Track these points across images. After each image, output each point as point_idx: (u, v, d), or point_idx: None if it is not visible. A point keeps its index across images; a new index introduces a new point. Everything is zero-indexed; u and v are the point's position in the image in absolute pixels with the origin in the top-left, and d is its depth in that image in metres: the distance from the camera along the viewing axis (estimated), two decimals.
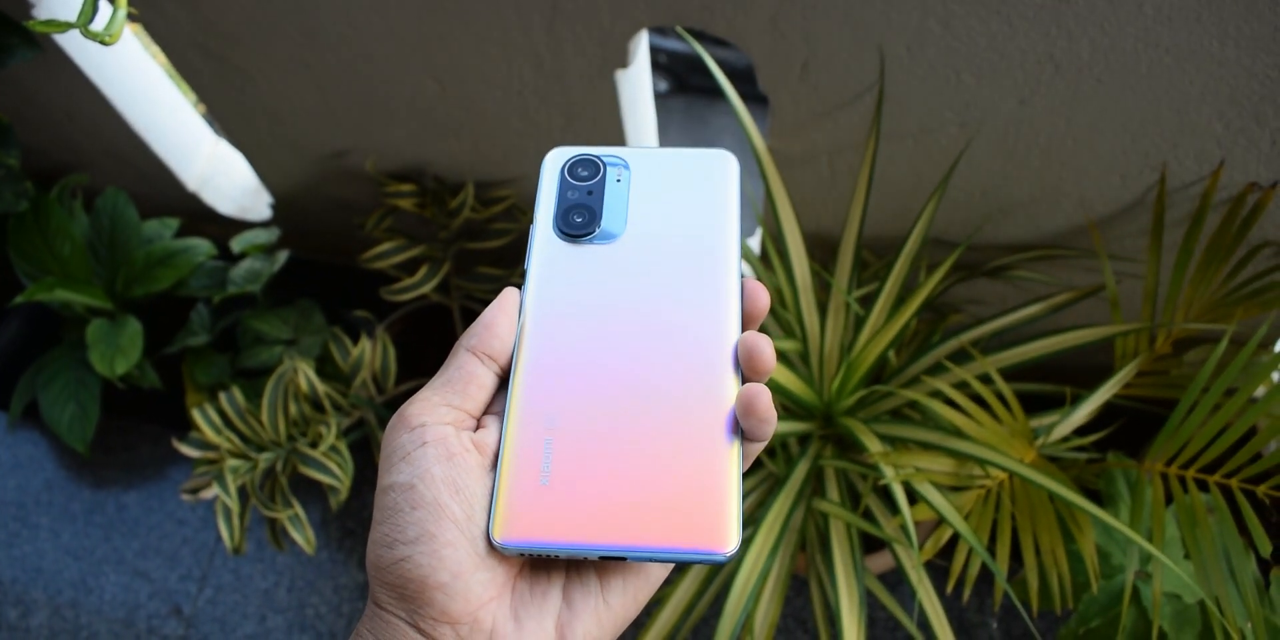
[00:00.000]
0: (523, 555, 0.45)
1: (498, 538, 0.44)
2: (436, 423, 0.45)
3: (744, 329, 0.50)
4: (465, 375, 0.47)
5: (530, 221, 0.55)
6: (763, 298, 0.50)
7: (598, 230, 0.52)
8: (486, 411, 0.49)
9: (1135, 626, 1.12)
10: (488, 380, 0.48)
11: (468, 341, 0.48)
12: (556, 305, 0.50)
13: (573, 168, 0.54)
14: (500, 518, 0.45)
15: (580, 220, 0.52)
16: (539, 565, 0.46)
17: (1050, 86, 1.13)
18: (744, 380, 0.48)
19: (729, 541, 0.45)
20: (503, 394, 0.50)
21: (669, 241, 0.52)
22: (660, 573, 0.48)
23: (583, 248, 0.51)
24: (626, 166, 0.54)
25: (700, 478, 0.46)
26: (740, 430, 0.47)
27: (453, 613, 0.42)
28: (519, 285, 0.52)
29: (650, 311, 0.49)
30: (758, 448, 0.48)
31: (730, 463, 0.46)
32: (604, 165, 0.54)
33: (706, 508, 0.45)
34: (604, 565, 0.47)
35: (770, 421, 0.47)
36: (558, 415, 0.47)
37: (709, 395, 0.47)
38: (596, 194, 0.53)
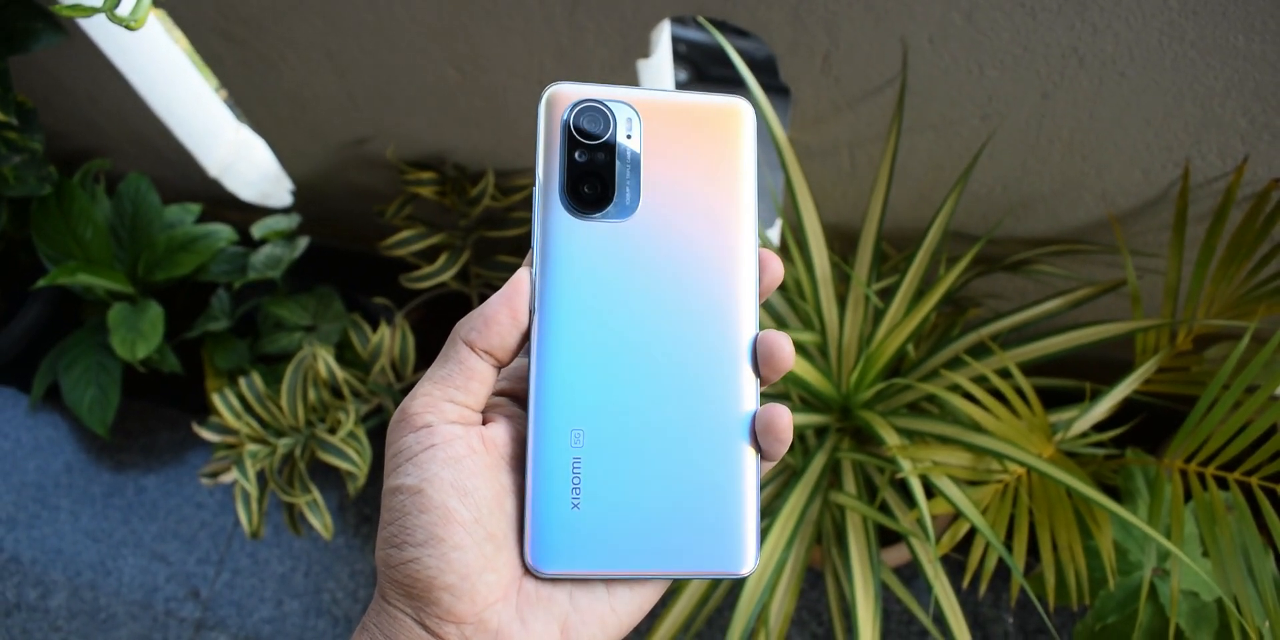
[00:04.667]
0: (556, 580, 0.46)
1: (534, 564, 0.45)
2: (443, 422, 0.45)
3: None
4: (466, 370, 0.46)
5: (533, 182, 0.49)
6: (777, 268, 0.49)
7: (611, 206, 0.47)
8: (490, 402, 0.49)
9: (1152, 623, 1.12)
10: (488, 375, 0.47)
11: (466, 334, 0.46)
12: (571, 298, 0.46)
13: (578, 119, 0.48)
14: (534, 544, 0.45)
15: (592, 193, 0.47)
16: None
17: (1074, 80, 1.13)
18: (759, 375, 0.48)
19: (749, 562, 0.47)
20: (515, 382, 0.50)
21: (684, 215, 0.48)
22: (666, 583, 0.48)
23: (594, 224, 0.47)
24: (637, 116, 0.48)
25: (722, 498, 0.47)
26: (757, 447, 0.47)
27: (459, 612, 0.43)
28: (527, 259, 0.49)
29: (668, 304, 0.47)
30: (768, 466, 0.49)
31: (750, 482, 0.47)
32: (614, 118, 0.48)
33: (729, 530, 0.47)
34: None
35: (786, 442, 0.47)
36: (583, 430, 0.46)
37: (729, 402, 0.47)
38: (607, 157, 0.48)
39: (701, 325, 0.47)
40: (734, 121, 0.49)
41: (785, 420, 0.47)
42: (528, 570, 0.45)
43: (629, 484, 0.46)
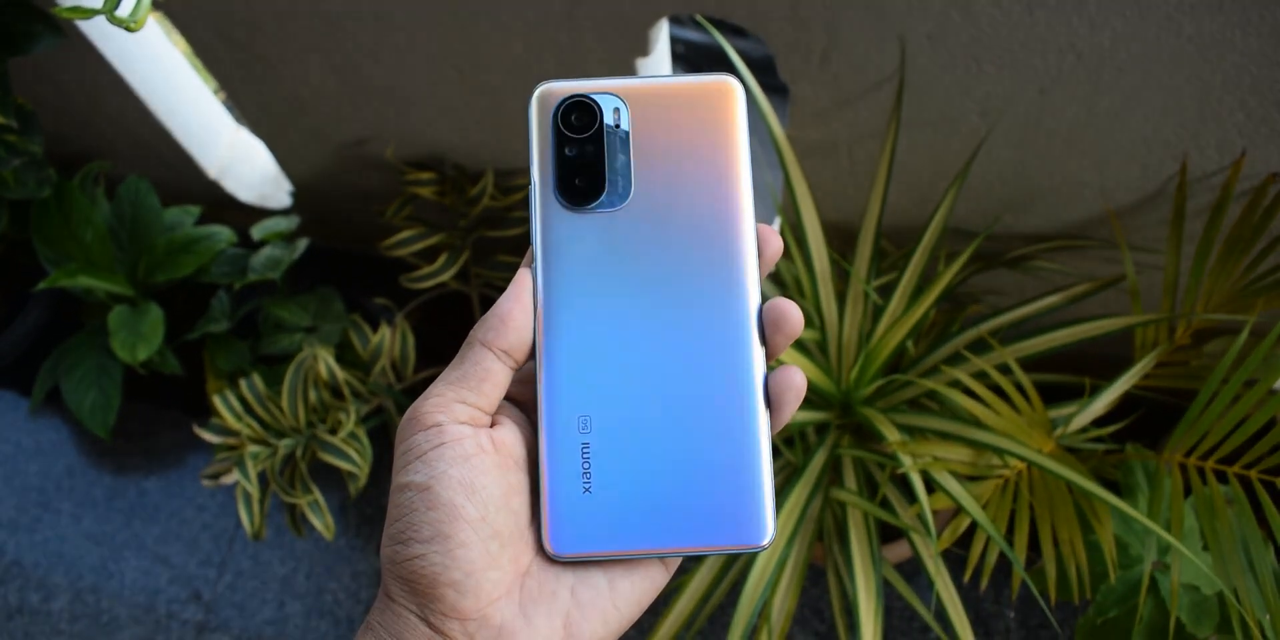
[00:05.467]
0: (577, 562, 0.47)
1: (551, 549, 0.46)
2: (453, 422, 0.46)
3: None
4: (480, 372, 0.47)
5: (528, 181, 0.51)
6: (776, 243, 0.49)
7: (603, 196, 0.48)
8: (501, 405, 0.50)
9: (1153, 617, 1.12)
10: (502, 376, 0.47)
11: (483, 335, 0.47)
12: (571, 289, 0.47)
13: (565, 114, 0.49)
14: (550, 529, 0.46)
15: (582, 185, 0.48)
16: (550, 564, 0.47)
17: (1071, 76, 1.13)
18: (766, 345, 0.48)
19: (767, 532, 0.47)
20: (519, 386, 0.51)
21: (678, 197, 0.48)
22: (666, 577, 0.49)
23: (589, 216, 0.48)
24: (624, 104, 0.49)
25: (735, 470, 0.47)
26: (769, 414, 0.48)
27: (463, 609, 0.43)
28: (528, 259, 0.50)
29: (667, 284, 0.48)
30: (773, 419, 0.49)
31: (763, 452, 0.47)
32: (600, 110, 0.49)
33: (744, 501, 0.47)
34: (612, 567, 0.48)
35: (800, 396, 0.48)
36: (591, 416, 0.47)
37: (737, 374, 0.48)
38: (595, 148, 0.48)
39: (703, 303, 0.48)
40: (722, 99, 0.50)
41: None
42: (545, 554, 0.46)
43: (640, 465, 0.47)
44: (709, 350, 0.48)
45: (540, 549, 0.47)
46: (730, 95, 0.50)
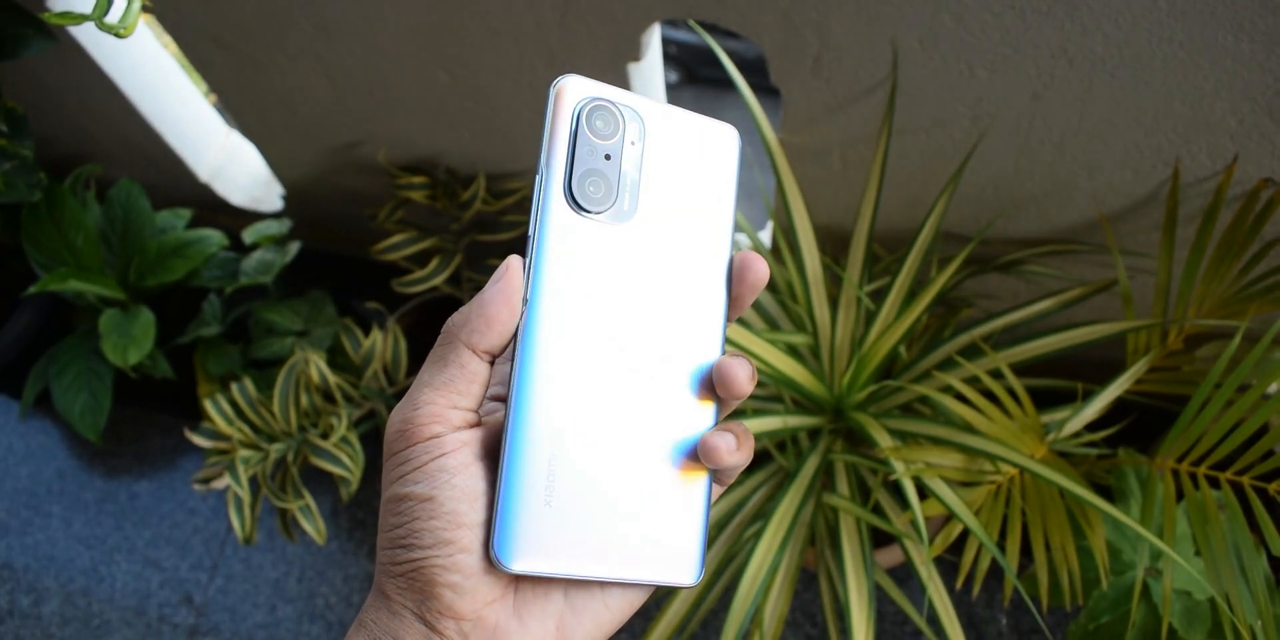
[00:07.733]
0: (515, 576, 0.46)
1: (500, 558, 0.44)
2: (449, 430, 0.45)
3: (743, 300, 0.50)
4: (468, 374, 0.46)
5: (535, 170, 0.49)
6: (761, 269, 0.49)
7: (612, 207, 0.48)
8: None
9: (1145, 623, 1.12)
10: (486, 375, 0.47)
11: (466, 336, 0.46)
12: (563, 298, 0.46)
13: (590, 116, 0.48)
14: (503, 537, 0.45)
15: (597, 193, 0.47)
16: None
17: (1063, 81, 1.13)
18: (718, 399, 0.49)
19: (695, 575, 0.48)
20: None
21: (673, 228, 0.49)
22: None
23: (593, 223, 0.47)
24: (643, 123, 0.49)
25: (677, 512, 0.48)
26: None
27: (459, 609, 0.43)
28: (522, 250, 0.48)
29: (648, 314, 0.48)
30: (724, 480, 0.51)
31: (702, 498, 0.49)
32: (624, 121, 0.48)
33: (680, 543, 0.48)
34: None
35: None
36: (563, 431, 0.46)
37: (688, 421, 0.48)
38: (614, 159, 0.48)
39: (674, 341, 0.48)
40: (725, 144, 0.51)
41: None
42: (490, 564, 0.45)
43: (596, 490, 0.47)
44: (671, 390, 0.48)
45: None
46: (733, 143, 0.51)
